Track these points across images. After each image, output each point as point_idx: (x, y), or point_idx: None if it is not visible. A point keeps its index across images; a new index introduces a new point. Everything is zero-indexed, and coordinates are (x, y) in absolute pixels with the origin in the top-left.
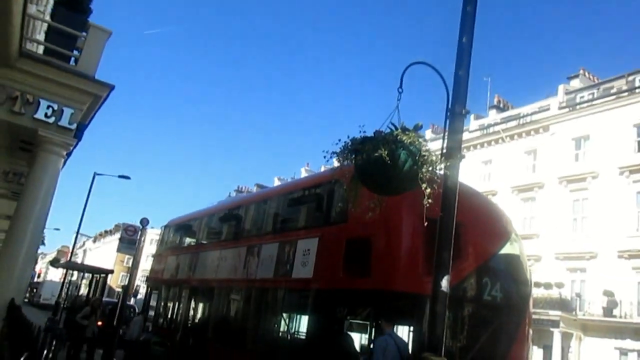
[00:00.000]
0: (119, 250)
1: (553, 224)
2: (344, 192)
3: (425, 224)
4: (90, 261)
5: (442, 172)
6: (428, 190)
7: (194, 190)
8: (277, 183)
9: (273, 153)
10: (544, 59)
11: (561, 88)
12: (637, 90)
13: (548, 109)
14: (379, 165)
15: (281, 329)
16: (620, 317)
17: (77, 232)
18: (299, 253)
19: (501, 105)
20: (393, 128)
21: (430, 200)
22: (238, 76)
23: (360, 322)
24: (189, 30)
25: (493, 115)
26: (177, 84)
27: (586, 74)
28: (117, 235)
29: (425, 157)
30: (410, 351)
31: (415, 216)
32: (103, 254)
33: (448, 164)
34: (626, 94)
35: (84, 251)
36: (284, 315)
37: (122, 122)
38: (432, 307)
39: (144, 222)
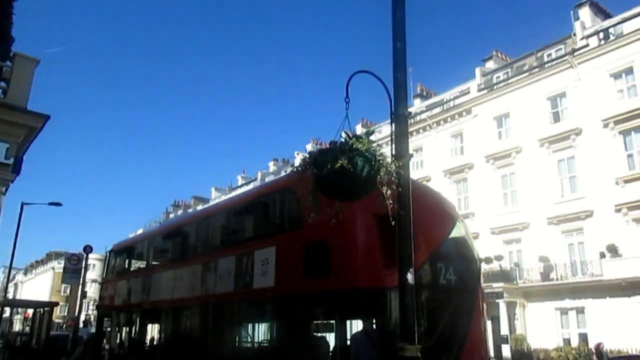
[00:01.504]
0: (63, 280)
1: (486, 201)
2: (296, 199)
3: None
4: (23, 295)
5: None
6: (388, 192)
7: (128, 211)
8: (214, 194)
9: (207, 163)
10: (459, 45)
11: (478, 71)
12: (546, 66)
13: (468, 92)
14: (339, 175)
15: (246, 341)
16: (557, 279)
17: (10, 267)
18: (257, 263)
19: (424, 94)
20: (347, 137)
21: (391, 201)
22: (164, 88)
23: (326, 322)
24: (96, 45)
25: (418, 104)
26: (100, 99)
27: (499, 54)
28: (50, 265)
29: (381, 162)
30: (381, 343)
31: (368, 214)
32: (37, 285)
33: (400, 164)
34: (537, 69)
35: (15, 285)
36: (249, 326)
37: (42, 147)
38: (401, 299)
39: (87, 249)
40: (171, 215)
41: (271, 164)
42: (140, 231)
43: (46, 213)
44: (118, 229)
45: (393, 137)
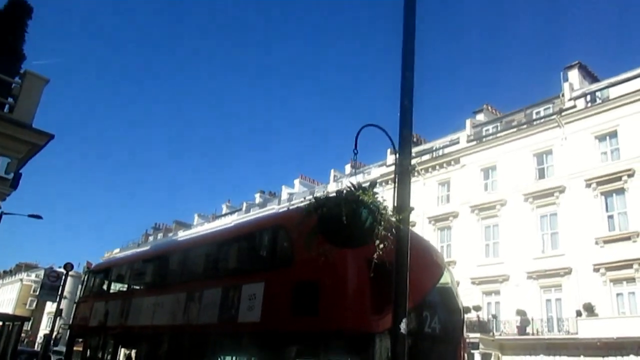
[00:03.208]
0: (40, 297)
1: (468, 251)
2: (288, 237)
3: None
4: None
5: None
6: (382, 245)
7: (106, 229)
8: (197, 220)
9: (192, 189)
10: (451, 95)
11: (468, 122)
12: (534, 123)
13: (458, 142)
14: (342, 223)
15: None
16: (533, 334)
17: None
18: (244, 297)
19: (415, 140)
20: (353, 188)
21: (383, 244)
22: (153, 109)
23: None
24: (85, 61)
25: None
26: (86, 115)
27: (489, 108)
28: (19, 276)
29: (384, 214)
30: None
31: (361, 258)
32: (1, 296)
33: (400, 217)
34: (525, 126)
35: None
36: (229, 359)
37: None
38: (393, 347)
39: (68, 267)
40: (150, 238)
41: (257, 195)
42: (117, 251)
43: (20, 222)
44: (94, 247)
45: (395, 189)
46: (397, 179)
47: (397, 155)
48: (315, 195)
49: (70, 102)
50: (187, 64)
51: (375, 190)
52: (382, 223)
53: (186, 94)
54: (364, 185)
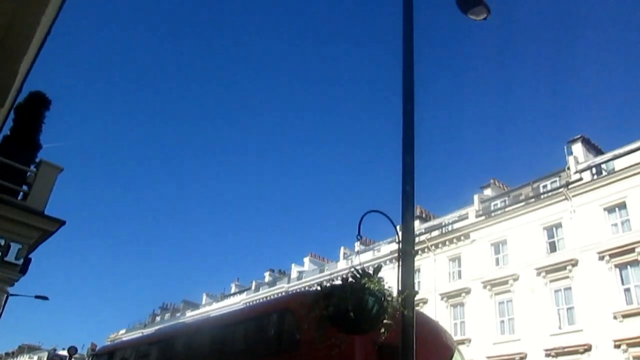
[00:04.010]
0: None
1: (482, 328)
2: (295, 322)
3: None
4: None
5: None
6: (387, 333)
7: (112, 309)
8: (206, 299)
9: (201, 268)
10: (458, 171)
11: (476, 197)
12: (542, 196)
13: (467, 218)
14: (349, 311)
15: None
16: None
17: None
18: None
19: (423, 216)
20: (358, 275)
21: (385, 335)
22: (161, 189)
23: None
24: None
25: (417, 226)
26: (94, 196)
27: (496, 183)
28: (21, 359)
29: (390, 300)
30: None
31: (368, 342)
32: None
33: (404, 304)
34: (533, 200)
35: None
36: None
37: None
38: None
39: (72, 351)
40: (158, 318)
41: (267, 274)
42: (123, 332)
43: (26, 303)
44: (100, 327)
45: (400, 274)
46: (400, 264)
47: (400, 241)
48: (322, 283)
49: (79, 187)
50: (191, 147)
51: (384, 270)
52: (389, 310)
53: (195, 175)
54: (375, 262)
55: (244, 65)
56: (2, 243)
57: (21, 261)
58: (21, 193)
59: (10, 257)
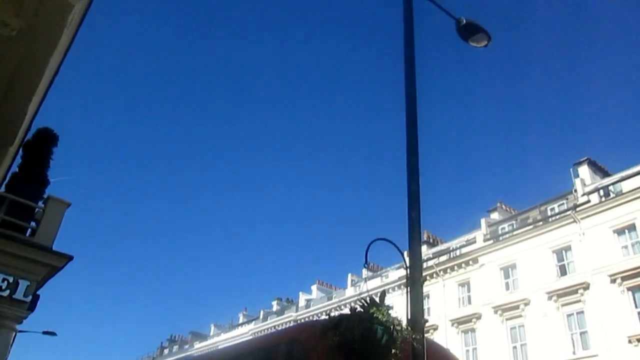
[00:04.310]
0: None
1: (495, 354)
2: (304, 353)
3: None
4: None
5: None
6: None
7: (119, 343)
8: (214, 330)
9: (208, 298)
10: (465, 194)
11: (483, 221)
12: (550, 220)
13: (474, 242)
14: (359, 342)
15: None
16: None
17: None
18: None
19: (431, 241)
20: (366, 304)
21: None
22: (168, 219)
23: None
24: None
25: (424, 251)
26: (99, 227)
27: (503, 206)
28: None
29: (399, 330)
30: None
31: None
32: None
33: (414, 335)
34: (541, 223)
35: None
36: None
37: None
38: None
39: None
40: (166, 351)
41: (274, 303)
42: None
43: (34, 339)
44: None
45: (409, 302)
46: (409, 292)
47: (407, 267)
48: (330, 312)
49: (86, 220)
50: (196, 182)
51: (393, 296)
52: (398, 340)
53: (202, 206)
54: (383, 288)
55: (248, 108)
56: (11, 280)
57: (29, 298)
58: (29, 229)
59: (19, 295)
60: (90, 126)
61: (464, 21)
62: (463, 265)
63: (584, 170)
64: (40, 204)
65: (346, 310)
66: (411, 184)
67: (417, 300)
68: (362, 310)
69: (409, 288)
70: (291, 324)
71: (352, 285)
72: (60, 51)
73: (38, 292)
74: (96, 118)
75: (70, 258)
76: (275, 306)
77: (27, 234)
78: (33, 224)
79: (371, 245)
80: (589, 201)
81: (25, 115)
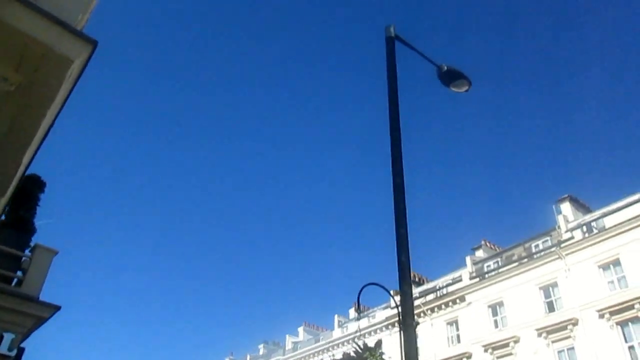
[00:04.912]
0: None
1: None
2: None
3: None
4: None
5: None
6: None
7: None
8: None
9: (193, 343)
10: (449, 233)
11: (468, 259)
12: (535, 256)
13: (460, 280)
14: None
15: None
16: None
17: None
18: None
19: (417, 280)
20: (360, 350)
21: None
22: (155, 272)
23: None
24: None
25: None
26: (75, 264)
27: (488, 244)
28: None
29: None
30: None
31: None
32: None
33: None
34: (526, 260)
35: None
36: None
37: None
38: None
39: None
40: None
41: (261, 346)
42: None
43: None
44: None
45: (402, 345)
46: (402, 335)
47: (399, 311)
48: (318, 355)
49: (74, 272)
50: (178, 232)
51: (381, 336)
52: None
53: (182, 248)
54: (370, 329)
55: (248, 124)
56: None
57: (14, 352)
58: (15, 279)
59: (3, 349)
60: (79, 172)
61: (445, 68)
62: (450, 303)
63: (566, 207)
64: (27, 252)
65: (336, 352)
66: (399, 228)
67: (410, 344)
68: (355, 355)
69: (401, 332)
70: None
71: (339, 326)
72: (57, 104)
73: (23, 345)
74: (87, 166)
75: (57, 308)
76: (262, 349)
77: (13, 283)
78: (20, 273)
79: (363, 290)
80: (572, 237)
81: (20, 167)
